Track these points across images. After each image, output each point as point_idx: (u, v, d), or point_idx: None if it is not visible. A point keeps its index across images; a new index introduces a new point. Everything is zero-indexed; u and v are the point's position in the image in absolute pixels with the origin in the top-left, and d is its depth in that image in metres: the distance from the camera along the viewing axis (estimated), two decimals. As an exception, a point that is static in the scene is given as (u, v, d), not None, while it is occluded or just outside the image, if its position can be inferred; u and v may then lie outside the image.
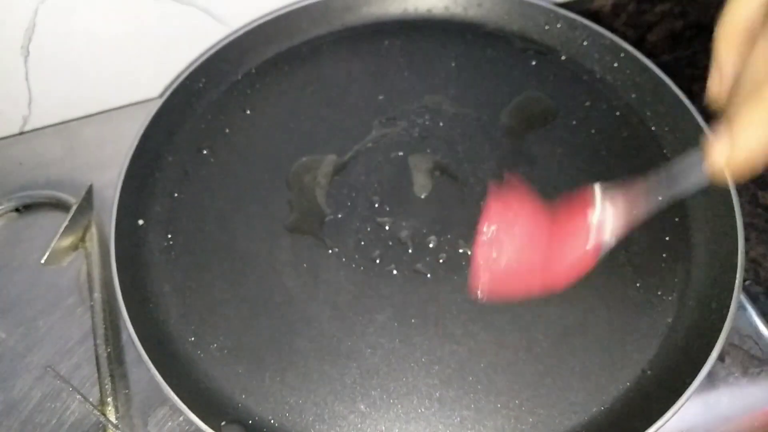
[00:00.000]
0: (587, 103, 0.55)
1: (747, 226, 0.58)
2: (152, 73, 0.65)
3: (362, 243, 0.49)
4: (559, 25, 0.59)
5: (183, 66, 0.63)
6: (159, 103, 0.54)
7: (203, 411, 0.40)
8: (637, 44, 0.71)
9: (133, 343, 0.43)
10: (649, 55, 0.56)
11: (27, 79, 0.62)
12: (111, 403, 0.46)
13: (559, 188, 0.51)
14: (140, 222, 0.50)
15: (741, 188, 0.61)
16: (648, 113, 0.54)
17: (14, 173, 0.60)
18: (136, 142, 0.52)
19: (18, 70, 0.61)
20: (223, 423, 0.41)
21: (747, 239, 0.57)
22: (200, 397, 0.42)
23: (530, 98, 0.56)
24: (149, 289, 0.47)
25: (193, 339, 0.45)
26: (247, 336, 0.45)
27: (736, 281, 0.43)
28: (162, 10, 0.59)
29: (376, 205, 0.51)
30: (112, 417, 0.45)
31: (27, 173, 0.60)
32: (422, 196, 0.51)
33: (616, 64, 0.57)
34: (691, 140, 0.51)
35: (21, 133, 0.66)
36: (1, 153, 0.62)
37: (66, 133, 0.63)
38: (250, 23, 0.60)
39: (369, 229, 0.49)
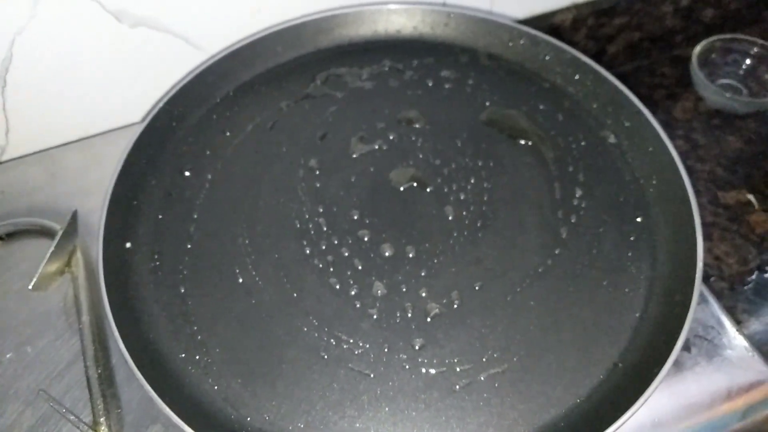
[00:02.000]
0: (558, 116, 0.58)
1: (709, 225, 0.62)
2: (131, 99, 0.67)
3: (345, 255, 0.51)
4: (522, 42, 0.62)
5: (162, 91, 0.65)
6: (140, 128, 0.56)
7: (199, 425, 0.41)
8: (598, 56, 0.75)
9: (125, 362, 0.44)
10: (609, 66, 0.59)
11: (4, 109, 0.63)
12: (104, 423, 0.46)
13: (527, 195, 0.53)
14: (128, 245, 0.52)
15: (702, 189, 0.65)
16: (609, 121, 0.57)
17: (-5, 202, 0.61)
18: (119, 167, 0.53)
19: (-5, 101, 0.62)
20: (217, 434, 0.42)
21: (710, 238, 0.61)
22: (194, 412, 0.43)
23: (499, 111, 0.59)
24: (138, 309, 0.49)
25: (183, 355, 0.47)
26: (237, 350, 0.47)
27: (697, 275, 0.46)
28: (139, 37, 0.61)
29: (356, 218, 0.53)
30: (105, 436, 0.46)
31: (9, 201, 0.60)
32: (400, 210, 0.53)
33: (577, 77, 0.60)
34: (649, 145, 0.54)
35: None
36: (-19, 182, 0.63)
37: (48, 160, 0.64)
38: (226, 48, 0.62)
39: (350, 241, 0.51)
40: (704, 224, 0.48)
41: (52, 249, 0.52)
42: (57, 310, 0.53)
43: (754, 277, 0.59)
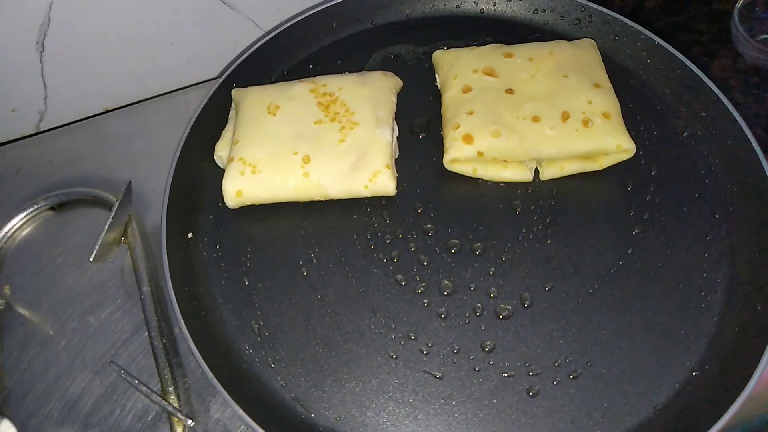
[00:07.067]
0: (628, 102, 0.55)
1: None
2: (170, 66, 0.65)
3: (411, 250, 0.50)
4: (590, 20, 0.59)
5: (200, 56, 0.63)
6: (196, 112, 0.54)
7: (270, 424, 0.41)
8: (635, 12, 0.70)
9: (201, 367, 0.43)
10: (645, 23, 0.57)
11: (42, 74, 0.62)
12: (173, 392, 0.47)
13: (597, 190, 0.51)
14: (189, 235, 0.51)
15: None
16: (683, 110, 0.55)
17: (45, 171, 0.60)
18: (177, 154, 0.52)
19: (33, 66, 0.61)
20: (291, 437, 0.42)
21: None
22: (265, 410, 0.43)
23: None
24: (204, 302, 0.48)
25: (251, 351, 0.46)
26: (304, 347, 0.46)
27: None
28: (175, 1, 0.59)
29: (420, 211, 0.51)
30: (175, 405, 0.46)
31: (58, 171, 0.60)
32: (465, 203, 0.52)
33: (649, 60, 0.57)
34: (727, 137, 0.52)
35: (45, 131, 0.66)
36: (29, 150, 0.62)
37: (93, 128, 0.63)
38: (280, 25, 0.59)
39: (415, 236, 0.50)
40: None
41: (110, 220, 0.51)
42: (115, 280, 0.53)
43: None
